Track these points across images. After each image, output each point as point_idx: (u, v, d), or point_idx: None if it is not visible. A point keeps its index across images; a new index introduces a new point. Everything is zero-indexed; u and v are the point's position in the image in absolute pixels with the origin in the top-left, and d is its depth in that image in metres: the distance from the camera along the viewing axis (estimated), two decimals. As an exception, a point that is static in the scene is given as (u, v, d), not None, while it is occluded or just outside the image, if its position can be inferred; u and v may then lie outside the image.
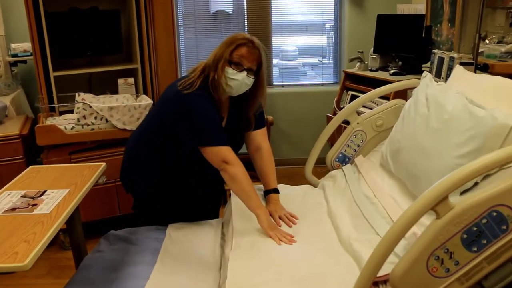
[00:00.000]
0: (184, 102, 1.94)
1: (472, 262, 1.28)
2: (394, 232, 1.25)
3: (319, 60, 4.44)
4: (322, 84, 4.40)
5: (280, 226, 1.89)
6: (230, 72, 1.94)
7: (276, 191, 2.08)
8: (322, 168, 2.49)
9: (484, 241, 1.27)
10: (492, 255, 1.28)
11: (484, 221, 1.26)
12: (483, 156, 1.24)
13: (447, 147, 1.61)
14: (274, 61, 4.36)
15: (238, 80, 1.95)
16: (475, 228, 1.26)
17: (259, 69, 2.00)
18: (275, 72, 4.41)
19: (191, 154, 2.01)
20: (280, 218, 1.95)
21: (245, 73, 1.95)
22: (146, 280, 1.73)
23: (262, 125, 2.18)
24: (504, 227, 1.27)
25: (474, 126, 1.55)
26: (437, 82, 2.21)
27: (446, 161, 1.58)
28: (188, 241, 2.00)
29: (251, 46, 1.95)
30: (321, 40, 4.40)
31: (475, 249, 1.28)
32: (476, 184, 1.54)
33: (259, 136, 2.16)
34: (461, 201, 1.25)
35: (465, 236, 1.27)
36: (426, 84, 1.92)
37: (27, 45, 3.43)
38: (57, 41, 3.13)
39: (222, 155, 1.90)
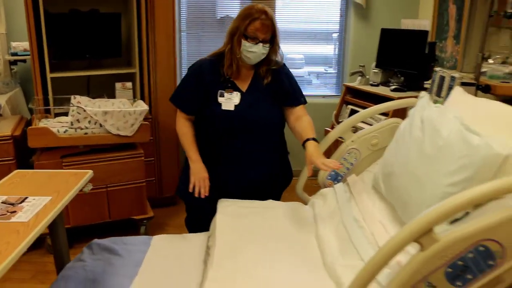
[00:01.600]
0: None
1: (456, 297, 1.23)
2: (376, 261, 1.21)
3: (325, 69, 4.39)
4: (324, 96, 4.35)
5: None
6: (247, 45, 2.11)
7: (314, 139, 2.13)
8: (315, 182, 2.43)
9: (470, 276, 1.22)
10: (477, 290, 1.23)
11: (470, 255, 1.21)
12: (472, 188, 1.19)
13: (439, 174, 1.55)
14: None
15: (255, 52, 2.12)
16: (460, 262, 1.21)
17: (273, 37, 2.15)
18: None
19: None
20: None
21: (260, 44, 2.10)
22: (123, 294, 1.69)
23: (302, 101, 2.31)
24: (491, 262, 1.22)
25: (467, 155, 1.49)
26: (437, 101, 2.16)
27: (437, 189, 1.52)
28: (171, 254, 1.96)
29: (265, 19, 2.09)
30: (327, 50, 4.35)
31: (460, 283, 1.23)
32: (467, 213, 1.48)
33: (300, 111, 2.28)
34: (447, 234, 1.20)
35: (449, 270, 1.22)
36: (423, 106, 1.87)
37: (27, 44, 3.40)
38: (56, 42, 3.12)
39: (177, 115, 2.29)
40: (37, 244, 2.97)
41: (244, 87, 2.22)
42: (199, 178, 2.18)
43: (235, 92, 2.19)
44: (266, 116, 2.23)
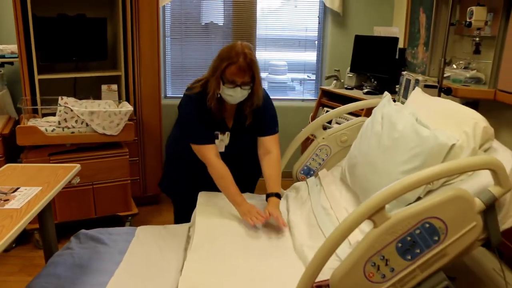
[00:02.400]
0: (181, 101, 2.29)
1: (406, 269, 1.39)
2: (333, 237, 1.36)
3: (308, 76, 4.56)
4: (303, 100, 4.52)
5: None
6: (225, 89, 2.11)
7: (277, 195, 2.17)
8: (290, 182, 2.59)
9: (418, 250, 1.38)
10: (424, 263, 1.39)
11: (417, 231, 1.37)
12: (418, 172, 1.36)
13: (394, 163, 1.73)
14: (263, 74, 4.45)
15: (233, 96, 2.12)
16: (409, 238, 1.37)
17: (253, 78, 2.13)
18: (264, 85, 4.49)
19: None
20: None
21: (238, 88, 2.10)
22: (110, 277, 1.82)
23: (273, 132, 2.31)
24: (436, 238, 1.38)
25: (418, 145, 1.67)
26: (403, 102, 2.33)
27: (392, 177, 1.69)
28: (154, 243, 2.10)
29: (242, 62, 2.05)
30: (310, 57, 4.51)
31: (409, 257, 1.39)
32: (419, 198, 1.65)
33: (269, 142, 2.29)
34: (396, 212, 1.36)
35: (400, 245, 1.37)
36: (383, 104, 2.05)
37: (14, 47, 3.50)
38: (44, 45, 3.23)
39: (202, 153, 2.20)
40: (25, 239, 3.10)
41: (229, 123, 2.30)
42: (252, 215, 2.04)
43: (226, 133, 2.30)
44: (249, 151, 2.33)
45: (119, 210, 3.22)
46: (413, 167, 1.65)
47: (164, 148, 3.56)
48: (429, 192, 1.66)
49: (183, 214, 2.40)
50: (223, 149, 2.27)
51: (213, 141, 2.24)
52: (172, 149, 2.55)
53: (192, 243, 1.85)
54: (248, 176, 2.47)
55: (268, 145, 2.29)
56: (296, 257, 1.77)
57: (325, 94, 3.79)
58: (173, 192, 2.59)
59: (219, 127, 2.28)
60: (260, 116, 2.27)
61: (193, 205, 2.25)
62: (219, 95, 2.15)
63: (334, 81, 3.76)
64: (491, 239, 1.44)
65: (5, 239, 1.47)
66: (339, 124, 3.00)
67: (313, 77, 4.56)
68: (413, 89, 2.57)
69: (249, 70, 2.08)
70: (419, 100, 2.07)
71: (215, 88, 2.12)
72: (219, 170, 2.16)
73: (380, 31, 3.81)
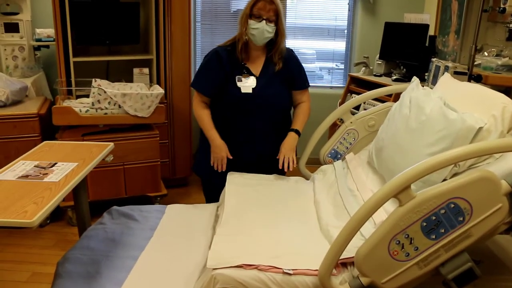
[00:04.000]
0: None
1: (431, 249, 1.42)
2: (359, 215, 1.39)
3: (336, 65, 4.55)
4: (331, 87, 4.53)
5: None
6: (252, 23, 2.34)
7: (297, 131, 2.47)
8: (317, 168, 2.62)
9: (442, 230, 1.40)
10: (449, 243, 1.41)
11: (442, 211, 1.39)
12: (443, 153, 1.37)
13: (421, 145, 1.75)
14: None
15: (258, 29, 2.34)
16: (434, 218, 1.39)
17: (278, 19, 2.36)
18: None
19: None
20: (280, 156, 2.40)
21: (264, 22, 2.33)
22: (141, 251, 1.89)
23: (303, 86, 2.55)
24: (461, 219, 1.40)
25: (445, 127, 1.69)
26: (432, 88, 2.33)
27: (419, 159, 1.68)
28: (183, 221, 2.16)
29: (268, 0, 2.33)
30: (339, 46, 4.51)
31: (434, 237, 1.41)
32: (444, 180, 1.66)
33: (300, 95, 2.55)
34: (422, 192, 1.38)
35: (424, 224, 1.40)
36: (412, 88, 2.06)
37: (50, 31, 3.63)
38: (78, 29, 3.34)
39: (194, 97, 2.51)
40: (59, 217, 3.22)
41: (257, 71, 2.45)
42: (218, 157, 2.41)
43: (251, 77, 2.43)
44: (277, 98, 2.47)
45: (149, 191, 3.31)
46: (440, 149, 1.66)
47: (193, 131, 3.66)
48: (455, 175, 1.67)
49: (214, 196, 2.48)
50: (249, 90, 2.41)
51: (208, 93, 2.46)
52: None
53: (221, 219, 1.91)
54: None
55: (299, 98, 2.55)
56: (321, 236, 1.81)
57: (354, 80, 3.80)
58: (204, 174, 2.67)
59: (244, 73, 2.45)
60: (292, 69, 2.49)
61: (222, 187, 2.32)
62: (246, 39, 2.38)
63: (363, 68, 3.76)
64: (517, 222, 1.45)
65: (45, 208, 1.56)
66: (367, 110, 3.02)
67: (342, 66, 4.55)
68: (443, 75, 2.57)
69: (274, 7, 2.34)
70: (448, 84, 2.07)
71: (242, 30, 2.38)
72: (199, 112, 2.48)
73: (411, 18, 3.78)
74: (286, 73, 2.46)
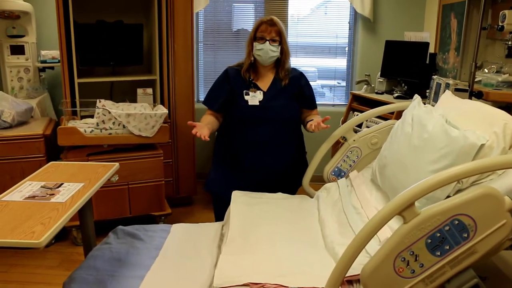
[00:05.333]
0: None
1: (436, 265, 1.42)
2: (364, 233, 1.40)
3: (338, 83, 4.59)
4: (333, 105, 4.56)
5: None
6: (256, 45, 2.57)
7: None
8: (321, 186, 2.63)
9: (447, 247, 1.41)
10: (454, 260, 1.42)
11: (447, 228, 1.40)
12: (447, 169, 1.39)
13: (424, 163, 1.76)
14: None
15: (263, 49, 2.55)
16: (438, 234, 1.40)
17: (281, 39, 2.57)
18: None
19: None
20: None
21: (267, 42, 2.54)
22: (147, 271, 1.90)
23: (313, 106, 2.76)
24: (465, 235, 1.40)
25: (448, 145, 1.71)
26: (433, 106, 2.36)
27: (422, 176, 1.71)
28: (188, 240, 2.17)
29: (270, 22, 2.56)
30: (340, 63, 4.55)
31: (439, 253, 1.42)
32: (448, 197, 1.68)
33: (308, 113, 2.73)
34: (426, 209, 1.40)
35: (429, 241, 1.41)
36: (413, 106, 2.08)
37: (55, 53, 3.68)
38: (83, 50, 3.37)
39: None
40: (63, 236, 3.22)
41: (265, 87, 2.64)
42: (199, 129, 2.43)
43: (258, 91, 2.59)
44: (284, 109, 2.59)
45: (153, 210, 3.32)
46: (443, 166, 1.68)
47: (196, 150, 3.69)
48: (458, 191, 1.69)
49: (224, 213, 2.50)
50: (256, 103, 2.57)
51: (215, 107, 2.65)
52: (218, 150, 2.81)
53: (227, 238, 1.92)
54: (286, 165, 2.66)
55: (309, 116, 2.70)
56: (327, 254, 1.81)
57: (356, 98, 3.82)
58: (216, 192, 2.77)
59: (251, 87, 2.63)
60: (303, 90, 2.69)
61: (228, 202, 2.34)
62: (253, 59, 2.59)
63: (365, 86, 3.79)
64: (522, 238, 1.46)
65: (53, 229, 1.57)
66: (369, 128, 3.04)
67: (343, 83, 4.59)
68: (444, 92, 2.59)
69: (275, 26, 2.54)
70: (449, 102, 2.10)
71: (249, 51, 2.60)
72: (203, 117, 2.66)
73: (411, 36, 3.82)
74: (295, 89, 2.63)
